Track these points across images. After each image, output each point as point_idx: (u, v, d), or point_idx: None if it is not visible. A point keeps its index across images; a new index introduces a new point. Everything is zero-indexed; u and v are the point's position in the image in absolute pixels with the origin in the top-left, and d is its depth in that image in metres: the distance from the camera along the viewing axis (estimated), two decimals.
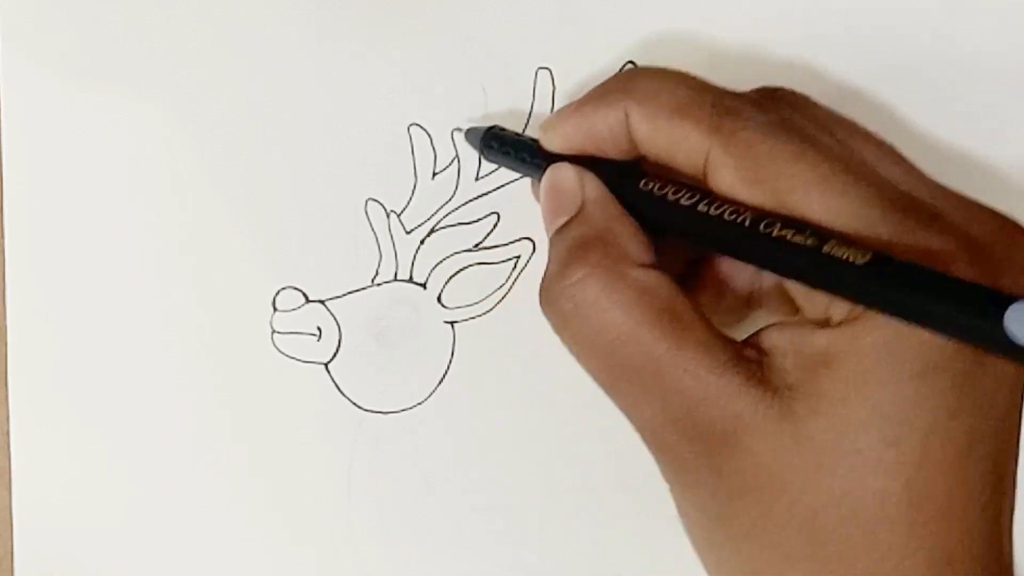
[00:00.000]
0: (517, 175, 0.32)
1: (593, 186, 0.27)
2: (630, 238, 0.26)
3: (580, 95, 0.28)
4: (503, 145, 0.31)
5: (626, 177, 0.27)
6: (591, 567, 0.33)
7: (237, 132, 0.33)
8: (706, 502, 0.25)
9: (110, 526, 0.33)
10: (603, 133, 0.27)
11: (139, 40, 0.33)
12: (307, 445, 0.33)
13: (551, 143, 0.29)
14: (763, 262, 0.25)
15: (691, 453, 0.25)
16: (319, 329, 0.33)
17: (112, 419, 0.33)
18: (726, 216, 0.25)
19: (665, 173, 0.27)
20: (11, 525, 0.33)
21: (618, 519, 0.33)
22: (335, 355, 0.33)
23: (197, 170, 0.33)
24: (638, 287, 0.25)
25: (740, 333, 0.26)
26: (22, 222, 0.33)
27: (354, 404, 0.33)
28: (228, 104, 0.33)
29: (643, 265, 0.25)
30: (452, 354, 0.33)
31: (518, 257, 0.33)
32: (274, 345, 0.33)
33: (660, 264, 0.26)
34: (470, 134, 0.32)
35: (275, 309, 0.33)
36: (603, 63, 0.32)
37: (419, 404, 0.33)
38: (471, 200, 0.33)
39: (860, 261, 0.22)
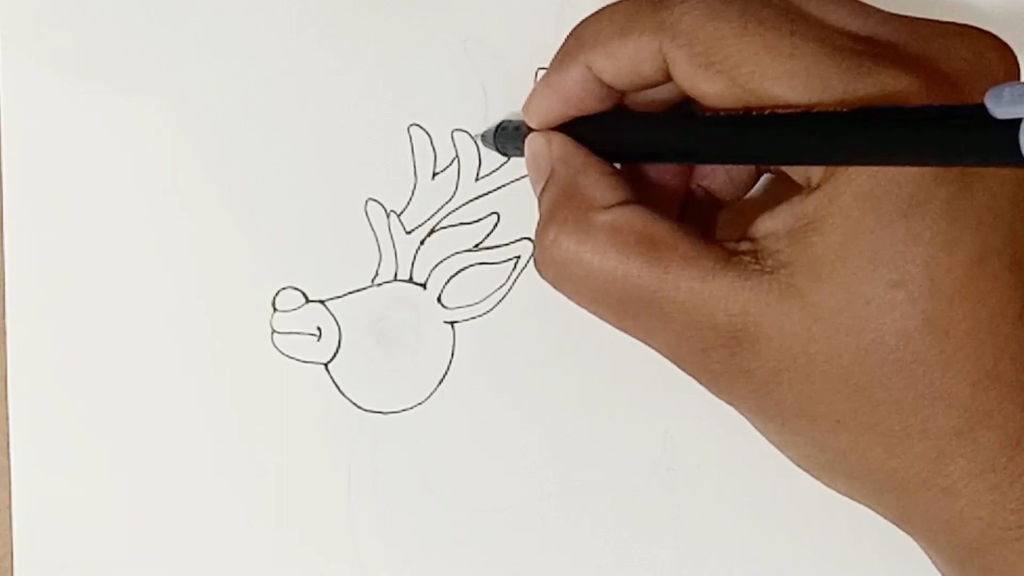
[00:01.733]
0: (516, 175, 0.33)
1: (559, 144, 0.28)
2: (595, 184, 0.27)
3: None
4: (511, 137, 0.31)
5: (610, 120, 0.28)
6: (591, 567, 0.33)
7: (237, 132, 0.33)
8: (750, 402, 0.26)
9: (110, 526, 0.33)
10: (574, 92, 0.28)
11: (139, 40, 0.33)
12: (307, 445, 0.33)
13: (534, 120, 0.29)
14: (749, 152, 0.25)
15: (713, 362, 0.25)
16: (319, 329, 0.33)
17: (112, 419, 0.33)
18: (707, 116, 0.25)
19: (653, 98, 0.28)
20: (11, 525, 0.33)
21: (618, 519, 0.33)
22: (335, 355, 0.33)
23: (197, 170, 0.33)
24: (607, 228, 0.26)
25: None
26: (22, 222, 0.33)
27: (354, 404, 0.33)
28: (228, 104, 0.33)
29: (611, 206, 0.26)
30: (452, 354, 0.33)
31: (518, 257, 0.33)
32: (274, 345, 0.33)
33: (653, 193, 0.27)
34: (485, 137, 0.32)
35: (275, 309, 0.33)
36: None
37: (419, 404, 0.33)
38: (471, 200, 0.33)
39: (846, 110, 0.22)
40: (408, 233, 0.33)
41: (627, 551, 0.33)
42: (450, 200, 0.33)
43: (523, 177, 0.32)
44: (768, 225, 0.25)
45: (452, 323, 0.33)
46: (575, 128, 0.29)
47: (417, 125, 0.33)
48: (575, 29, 0.28)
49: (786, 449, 0.27)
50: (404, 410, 0.33)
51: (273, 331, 0.33)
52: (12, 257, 0.33)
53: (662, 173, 0.29)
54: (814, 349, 0.24)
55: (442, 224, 0.33)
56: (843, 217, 0.23)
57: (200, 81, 0.33)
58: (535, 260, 0.27)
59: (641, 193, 0.27)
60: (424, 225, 0.33)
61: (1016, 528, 0.24)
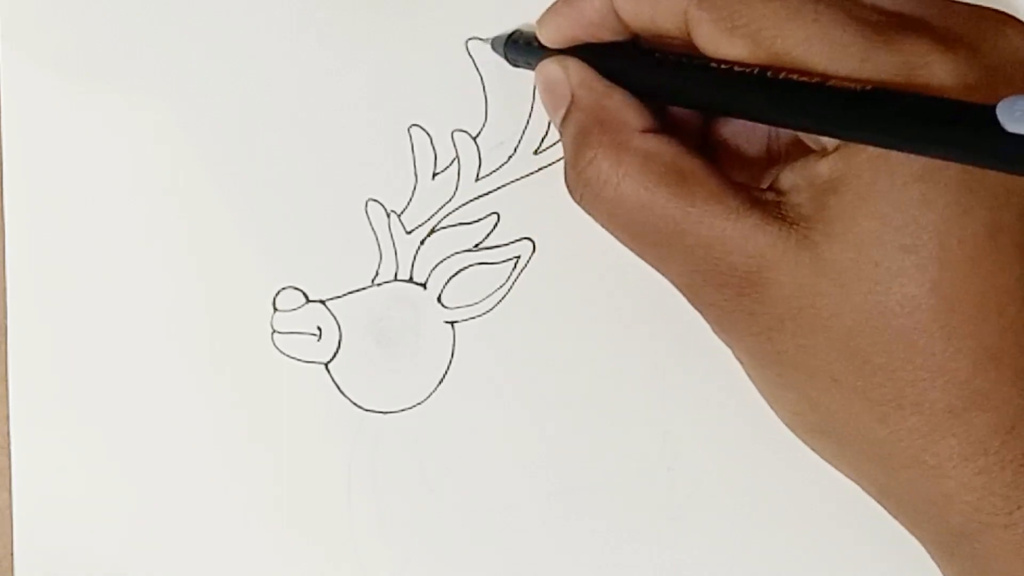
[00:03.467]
0: (516, 176, 0.32)
1: (576, 70, 0.28)
2: (625, 108, 0.27)
3: None
4: (521, 50, 0.31)
5: (627, 54, 0.28)
6: (591, 567, 0.33)
7: (237, 132, 0.33)
8: (750, 344, 0.26)
9: (110, 526, 0.33)
10: (592, 18, 0.28)
11: (139, 40, 0.33)
12: (307, 445, 0.33)
13: (546, 36, 0.30)
14: (766, 112, 0.25)
15: (723, 300, 0.25)
16: (319, 329, 0.33)
17: (112, 419, 0.33)
18: (735, 70, 0.25)
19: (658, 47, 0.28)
20: (11, 525, 0.33)
21: (618, 519, 0.33)
22: (335, 355, 0.33)
23: (197, 170, 0.33)
24: (642, 153, 0.26)
25: None
26: (22, 222, 0.33)
27: (354, 404, 0.33)
28: (228, 104, 0.33)
29: (644, 131, 0.27)
30: (452, 354, 0.33)
31: (518, 257, 0.33)
32: (274, 345, 0.33)
33: (667, 129, 0.27)
34: (495, 43, 0.32)
35: (275, 309, 0.33)
36: None
37: (419, 404, 0.33)
38: (471, 200, 0.33)
39: (865, 88, 0.22)
40: (408, 233, 0.33)
41: (627, 551, 0.33)
42: (450, 200, 0.33)
43: (523, 177, 0.33)
44: (791, 178, 0.25)
45: (452, 323, 0.33)
46: (589, 54, 0.29)
47: (417, 125, 0.33)
48: None
49: (777, 404, 0.27)
50: (404, 410, 0.33)
51: (273, 331, 0.33)
52: (12, 257, 0.33)
53: (678, 110, 0.29)
54: (820, 303, 0.24)
55: (442, 224, 0.33)
56: (857, 178, 0.23)
57: (200, 81, 0.33)
58: (567, 180, 0.28)
59: (660, 124, 0.27)
60: (424, 225, 0.33)
61: (1004, 514, 0.24)
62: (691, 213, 0.25)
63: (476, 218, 0.33)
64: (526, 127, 0.33)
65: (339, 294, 0.33)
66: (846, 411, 0.25)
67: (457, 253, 0.33)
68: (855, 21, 0.24)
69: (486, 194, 0.33)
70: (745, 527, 0.33)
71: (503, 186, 0.33)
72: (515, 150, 0.33)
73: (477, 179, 0.33)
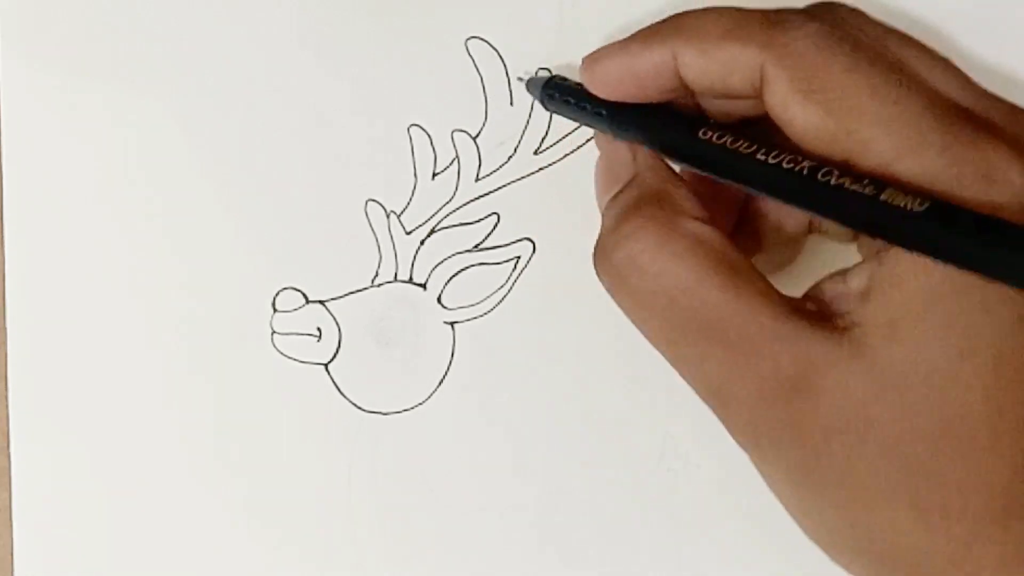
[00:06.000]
0: (516, 176, 0.32)
1: (645, 156, 0.27)
2: (684, 196, 0.26)
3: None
4: (564, 94, 0.30)
5: (678, 127, 0.27)
6: (591, 567, 0.33)
7: (237, 132, 0.33)
8: (791, 459, 0.24)
9: (110, 526, 0.33)
10: (648, 73, 0.27)
11: (139, 40, 0.33)
12: (307, 445, 0.33)
13: (592, 80, 0.28)
14: (822, 210, 0.24)
15: (764, 405, 0.24)
16: (319, 330, 0.33)
17: (112, 419, 0.33)
18: (784, 164, 0.24)
19: (719, 107, 0.27)
20: (11, 525, 0.33)
21: (618, 519, 0.33)
22: (335, 356, 0.33)
23: (197, 170, 0.33)
24: (693, 237, 0.25)
25: (793, 281, 0.26)
26: (22, 222, 0.33)
27: (354, 405, 0.33)
28: (228, 104, 0.33)
29: (697, 218, 0.25)
30: (452, 355, 0.33)
31: (518, 258, 0.33)
32: (274, 346, 0.33)
33: (711, 222, 0.26)
34: (531, 84, 0.32)
35: (275, 310, 0.33)
36: None
37: (419, 405, 0.33)
38: (471, 201, 0.33)
39: (918, 209, 0.22)
40: (408, 233, 0.33)
41: (627, 551, 0.33)
42: (450, 200, 0.33)
43: (523, 178, 0.33)
44: (835, 288, 0.24)
45: (452, 323, 0.33)
46: (643, 115, 0.28)
47: (417, 125, 0.33)
48: (673, 16, 0.27)
49: (812, 524, 0.25)
50: (404, 410, 0.33)
51: (273, 332, 0.33)
52: (12, 257, 0.33)
53: (722, 188, 0.28)
54: (875, 411, 0.23)
55: (442, 224, 0.33)
56: (925, 279, 0.23)
57: (200, 81, 0.33)
58: (599, 254, 0.26)
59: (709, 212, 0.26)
60: (424, 225, 0.33)
61: None
62: (739, 307, 0.24)
63: (476, 218, 0.33)
64: (526, 127, 0.33)
65: (339, 295, 0.33)
66: (890, 524, 0.24)
67: (457, 253, 0.33)
68: (936, 111, 0.23)
69: (486, 194, 0.33)
70: (745, 527, 0.33)
71: (503, 186, 0.33)
72: (515, 150, 0.33)
73: (477, 179, 0.33)
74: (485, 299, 0.33)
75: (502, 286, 0.33)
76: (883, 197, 0.23)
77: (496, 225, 0.33)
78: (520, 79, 0.32)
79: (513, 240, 0.33)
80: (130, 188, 0.33)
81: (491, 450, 0.33)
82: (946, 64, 0.25)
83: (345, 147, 0.33)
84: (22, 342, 0.33)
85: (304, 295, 0.33)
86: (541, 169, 0.33)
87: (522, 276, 0.33)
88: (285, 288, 0.33)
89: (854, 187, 0.23)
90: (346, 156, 0.33)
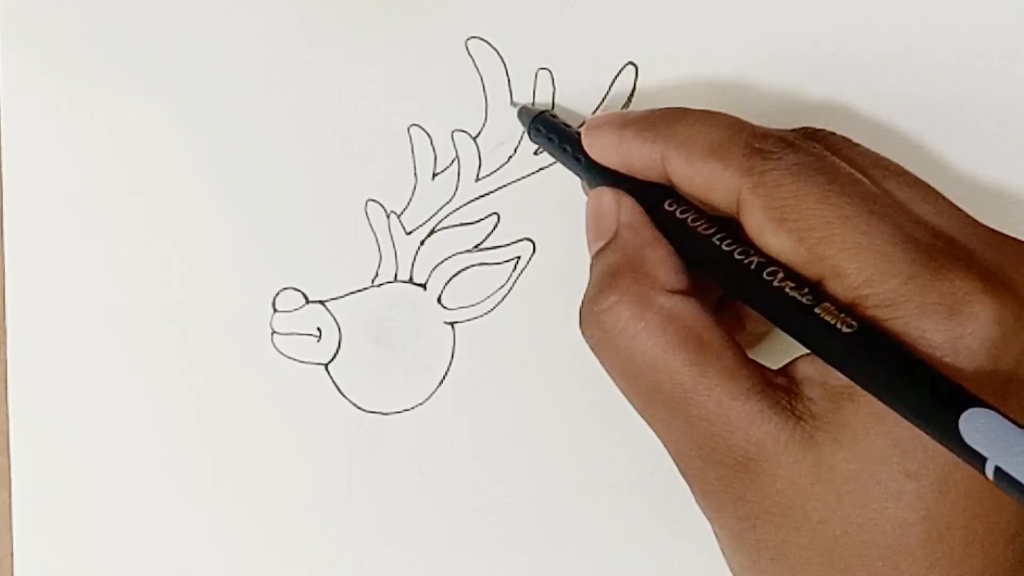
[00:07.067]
0: (516, 176, 0.32)
1: (628, 209, 0.28)
2: (660, 263, 0.27)
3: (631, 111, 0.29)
4: (549, 131, 0.31)
5: (658, 197, 0.28)
6: (591, 567, 0.33)
7: (237, 132, 0.33)
8: (732, 525, 0.26)
9: (110, 526, 0.33)
10: (637, 161, 0.28)
11: (139, 41, 0.33)
12: (307, 445, 0.33)
13: (589, 148, 0.29)
14: (760, 307, 0.25)
15: (715, 477, 0.25)
16: (319, 330, 0.33)
17: (112, 419, 0.33)
18: (736, 254, 0.25)
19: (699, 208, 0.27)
20: (11, 525, 0.33)
21: (619, 519, 0.33)
22: (335, 356, 0.33)
23: (197, 170, 0.33)
24: (664, 313, 0.25)
25: (780, 354, 0.27)
26: (22, 222, 0.33)
27: (354, 405, 0.33)
28: (228, 104, 0.33)
29: (672, 291, 0.26)
30: (452, 355, 0.33)
31: (518, 258, 0.33)
32: (274, 346, 0.33)
33: (700, 286, 0.27)
34: (522, 113, 0.32)
35: (275, 310, 0.33)
36: (603, 63, 0.32)
37: (419, 405, 0.33)
38: (471, 201, 0.33)
39: (845, 330, 0.23)
40: (408, 234, 0.33)
41: (627, 551, 0.33)
42: (450, 201, 0.33)
43: (523, 178, 0.32)
44: (807, 370, 0.25)
45: (452, 324, 0.33)
46: (635, 187, 0.28)
47: (417, 125, 0.33)
48: (671, 115, 0.28)
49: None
50: (404, 410, 0.33)
51: (273, 332, 0.33)
52: (11, 257, 0.33)
53: None
54: (811, 506, 0.24)
55: (442, 225, 0.33)
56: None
57: (200, 81, 0.33)
58: (581, 318, 0.27)
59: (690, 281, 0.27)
60: (424, 226, 0.33)
61: None
62: (701, 384, 0.25)
63: (476, 219, 0.33)
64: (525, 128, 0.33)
65: (339, 295, 0.33)
66: None
67: (457, 254, 0.33)
68: (905, 240, 0.24)
69: (486, 194, 0.33)
70: None
71: (503, 186, 0.33)
72: (515, 150, 0.33)
73: (477, 179, 0.33)
74: (485, 299, 0.33)
75: (502, 286, 0.33)
76: (816, 310, 0.23)
77: (496, 225, 0.33)
78: (514, 104, 0.32)
79: (513, 240, 0.33)
80: (130, 188, 0.33)
81: (491, 450, 0.33)
82: (927, 191, 0.26)
83: (345, 147, 0.33)
84: (22, 342, 0.33)
85: (304, 295, 0.33)
86: (541, 169, 0.33)
87: (522, 276, 0.33)
88: (285, 288, 0.33)
89: (793, 293, 0.24)
90: (346, 156, 0.33)
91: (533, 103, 0.32)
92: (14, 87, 0.33)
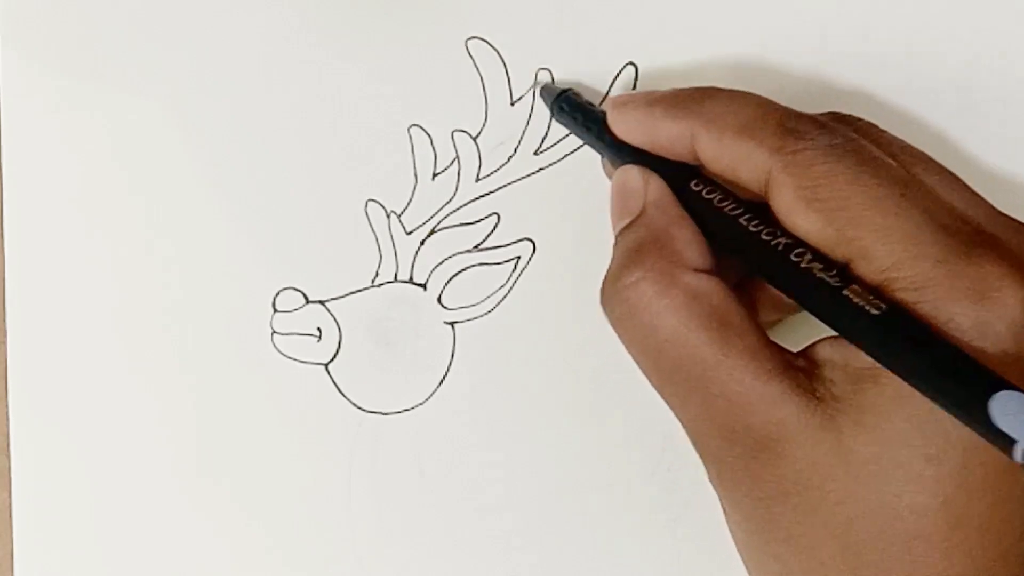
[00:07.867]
0: (516, 176, 0.32)
1: (656, 187, 0.28)
2: (687, 242, 0.27)
3: (656, 89, 0.29)
4: (573, 110, 0.31)
5: (684, 178, 0.28)
6: (591, 567, 0.33)
7: (237, 132, 0.33)
8: (746, 505, 0.26)
9: (110, 526, 0.33)
10: (665, 139, 0.28)
11: (139, 41, 0.33)
12: (307, 445, 0.33)
13: (614, 122, 0.29)
14: (786, 288, 0.25)
15: (732, 457, 0.25)
16: (319, 330, 0.33)
17: (112, 419, 0.33)
18: (763, 235, 0.25)
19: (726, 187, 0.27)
20: (11, 525, 0.33)
21: (619, 519, 0.33)
22: (335, 356, 0.33)
23: (197, 170, 0.33)
24: (689, 291, 0.25)
25: (792, 344, 0.26)
26: (22, 222, 0.33)
27: (354, 405, 0.33)
28: (228, 104, 0.33)
29: (697, 270, 0.26)
30: (452, 355, 0.33)
31: (519, 258, 0.33)
32: (274, 346, 0.33)
33: (720, 267, 0.27)
34: (544, 91, 0.32)
35: (275, 310, 0.33)
36: (603, 63, 0.32)
37: (419, 405, 0.33)
38: (471, 201, 0.33)
39: (874, 312, 0.23)
40: (408, 234, 0.33)
41: (627, 551, 0.33)
42: (450, 201, 0.33)
43: (523, 178, 0.32)
44: (829, 352, 0.25)
45: (452, 323, 0.33)
46: (662, 166, 0.28)
47: (417, 125, 0.33)
48: (701, 93, 0.28)
49: (752, 561, 0.27)
50: (404, 410, 0.33)
51: (273, 332, 0.33)
52: (11, 257, 0.33)
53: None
54: (829, 487, 0.24)
55: (442, 225, 0.33)
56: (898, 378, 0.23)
57: (200, 81, 0.33)
58: (604, 293, 0.27)
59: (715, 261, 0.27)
60: (424, 226, 0.33)
61: None
62: (723, 363, 0.25)
63: (476, 219, 0.33)
64: (526, 127, 0.33)
65: (339, 295, 0.33)
66: None
67: (457, 254, 0.33)
68: (935, 224, 0.24)
69: (486, 194, 0.33)
70: None
71: (503, 186, 0.33)
72: (515, 150, 0.33)
73: (477, 179, 0.33)
74: (485, 299, 0.33)
75: (502, 286, 0.33)
76: (845, 292, 0.23)
77: (496, 225, 0.33)
78: (536, 84, 0.32)
79: (513, 240, 0.33)
80: (130, 188, 0.33)
81: (491, 450, 0.33)
82: (954, 179, 0.26)
83: (345, 147, 0.33)
84: (22, 342, 0.33)
85: (304, 295, 0.33)
86: (541, 169, 0.33)
87: (522, 276, 0.33)
88: (285, 288, 0.33)
89: (821, 275, 0.24)
90: (346, 156, 0.33)
91: (533, 103, 0.32)
92: (14, 87, 0.33)
